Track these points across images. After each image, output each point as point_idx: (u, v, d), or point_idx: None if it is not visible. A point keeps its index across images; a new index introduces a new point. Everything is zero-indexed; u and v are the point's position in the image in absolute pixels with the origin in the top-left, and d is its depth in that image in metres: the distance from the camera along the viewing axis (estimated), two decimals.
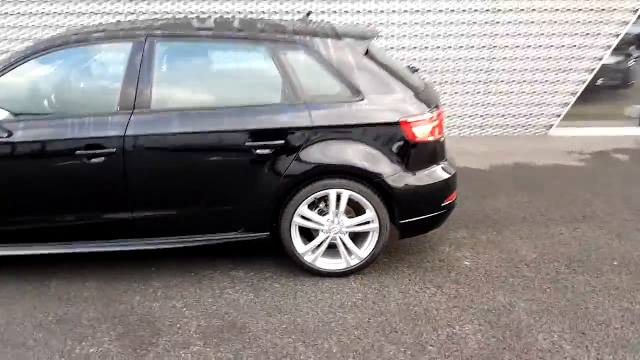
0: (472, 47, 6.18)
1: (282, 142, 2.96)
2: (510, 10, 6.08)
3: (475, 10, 6.09)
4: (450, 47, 6.18)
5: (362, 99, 3.02)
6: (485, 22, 6.11)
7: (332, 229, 3.12)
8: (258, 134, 2.96)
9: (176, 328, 2.75)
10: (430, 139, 3.11)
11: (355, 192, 3.04)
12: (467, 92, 6.33)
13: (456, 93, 6.31)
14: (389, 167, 3.03)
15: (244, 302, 2.98)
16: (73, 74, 3.21)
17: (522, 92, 6.35)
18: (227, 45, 3.09)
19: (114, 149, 2.90)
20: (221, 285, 3.13)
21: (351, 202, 3.11)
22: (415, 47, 6.16)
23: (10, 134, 2.88)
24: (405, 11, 6.06)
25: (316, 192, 3.04)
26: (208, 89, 3.15)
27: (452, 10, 6.09)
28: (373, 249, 3.17)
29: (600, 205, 4.31)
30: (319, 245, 3.15)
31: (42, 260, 3.23)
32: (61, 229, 3.07)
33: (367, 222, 3.12)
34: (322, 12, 6.00)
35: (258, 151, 2.96)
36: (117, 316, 2.86)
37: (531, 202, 4.38)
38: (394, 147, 3.04)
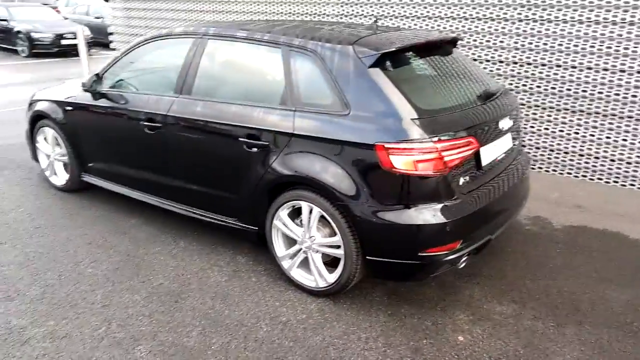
0: (590, 68, 4.64)
1: (266, 143, 2.99)
2: None
3: (605, 24, 4.49)
4: (562, 65, 4.51)
5: (348, 114, 2.74)
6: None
7: (303, 242, 3.00)
8: (249, 132, 3.06)
9: (143, 276, 3.24)
10: (419, 172, 2.58)
11: (323, 210, 2.83)
12: (579, 124, 4.87)
13: (564, 123, 4.96)
14: (355, 192, 2.69)
15: (214, 281, 3.20)
16: (157, 60, 3.92)
17: None
18: (254, 46, 3.22)
19: (160, 124, 3.50)
20: (216, 262, 3.40)
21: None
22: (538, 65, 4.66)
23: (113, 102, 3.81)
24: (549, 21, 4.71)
25: (293, 200, 2.97)
26: (231, 84, 3.37)
27: (589, 23, 4.39)
28: (338, 277, 2.90)
29: (624, 309, 2.64)
30: (296, 255, 3.09)
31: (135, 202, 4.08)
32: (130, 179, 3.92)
33: (338, 247, 2.87)
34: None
35: (250, 148, 3.07)
36: (122, 251, 3.52)
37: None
38: (366, 172, 2.67)
